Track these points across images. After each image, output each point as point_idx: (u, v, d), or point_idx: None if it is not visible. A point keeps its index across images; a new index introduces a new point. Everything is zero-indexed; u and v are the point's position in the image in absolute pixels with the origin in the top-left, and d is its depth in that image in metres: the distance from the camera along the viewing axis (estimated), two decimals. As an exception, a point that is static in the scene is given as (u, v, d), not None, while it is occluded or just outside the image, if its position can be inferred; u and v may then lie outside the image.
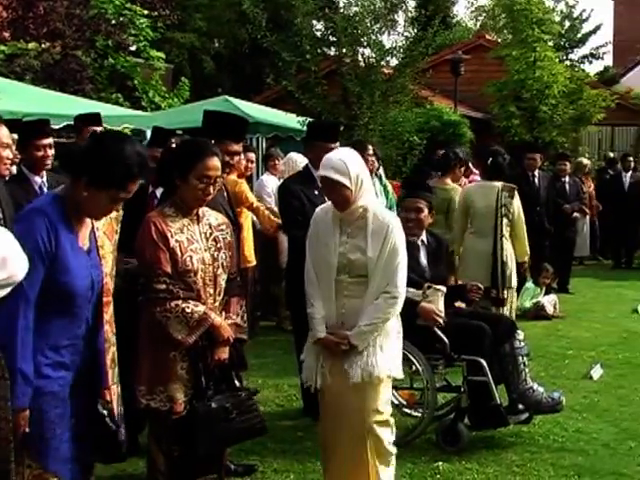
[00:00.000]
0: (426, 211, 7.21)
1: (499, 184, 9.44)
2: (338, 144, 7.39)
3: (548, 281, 13.49)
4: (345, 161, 5.28)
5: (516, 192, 9.48)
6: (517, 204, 9.49)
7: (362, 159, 5.51)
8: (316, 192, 7.29)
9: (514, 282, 9.48)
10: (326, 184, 5.36)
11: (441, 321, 6.75)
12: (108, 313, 4.21)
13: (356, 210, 5.33)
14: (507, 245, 9.38)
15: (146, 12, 22.96)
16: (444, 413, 7.27)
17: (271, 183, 11.56)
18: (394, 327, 5.43)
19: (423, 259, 7.23)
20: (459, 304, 7.60)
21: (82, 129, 8.61)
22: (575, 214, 14.59)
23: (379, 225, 5.30)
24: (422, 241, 7.26)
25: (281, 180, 10.35)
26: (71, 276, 3.91)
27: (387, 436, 5.42)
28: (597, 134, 23.74)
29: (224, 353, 5.11)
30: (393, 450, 5.47)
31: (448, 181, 10.57)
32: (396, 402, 7.41)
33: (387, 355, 5.32)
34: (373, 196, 5.57)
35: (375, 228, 5.30)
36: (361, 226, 5.33)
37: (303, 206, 7.21)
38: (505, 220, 9.34)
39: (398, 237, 5.33)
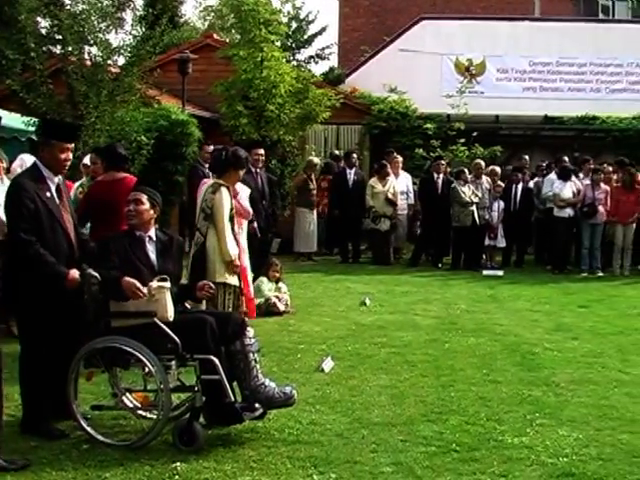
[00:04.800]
0: (147, 204, 7.40)
1: (212, 181, 9.67)
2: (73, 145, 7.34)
3: (278, 275, 13.65)
4: None
5: (222, 188, 9.45)
6: (218, 198, 9.42)
7: None
8: (48, 194, 7.09)
9: (220, 278, 9.40)
10: None
11: (145, 293, 6.93)
12: None
13: None
14: (207, 240, 9.42)
15: None
16: (179, 413, 7.26)
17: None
18: None
19: (152, 253, 7.37)
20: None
21: None
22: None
23: None
24: (149, 237, 7.41)
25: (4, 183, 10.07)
26: None
27: None
28: (323, 132, 24.27)
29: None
30: None
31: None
32: (130, 405, 7.36)
33: None
34: None
35: None
36: None
37: (37, 209, 6.96)
38: (202, 214, 9.44)
39: None
